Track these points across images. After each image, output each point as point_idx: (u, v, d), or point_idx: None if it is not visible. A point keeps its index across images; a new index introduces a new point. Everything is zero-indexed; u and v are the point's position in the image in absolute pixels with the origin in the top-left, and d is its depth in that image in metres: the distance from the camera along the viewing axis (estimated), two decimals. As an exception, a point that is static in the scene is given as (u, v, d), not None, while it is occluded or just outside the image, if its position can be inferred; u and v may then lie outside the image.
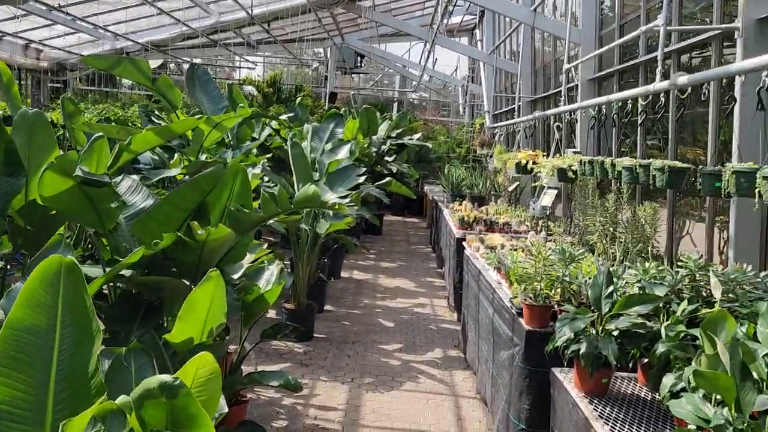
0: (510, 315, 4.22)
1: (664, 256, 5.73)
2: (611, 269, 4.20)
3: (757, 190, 3.00)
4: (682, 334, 2.69)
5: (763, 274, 3.89)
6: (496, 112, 15.94)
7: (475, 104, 19.25)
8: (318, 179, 6.83)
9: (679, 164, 3.99)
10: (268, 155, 7.82)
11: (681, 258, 3.93)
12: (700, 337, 2.49)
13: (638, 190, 6.47)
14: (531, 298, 3.87)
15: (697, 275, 3.87)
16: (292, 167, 6.50)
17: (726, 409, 1.88)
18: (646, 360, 2.90)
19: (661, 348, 2.56)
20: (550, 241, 6.59)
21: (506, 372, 4.24)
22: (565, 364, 3.01)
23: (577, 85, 8.38)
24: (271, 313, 7.70)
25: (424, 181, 18.25)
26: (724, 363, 1.88)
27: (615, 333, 2.80)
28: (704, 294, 3.91)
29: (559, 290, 4.00)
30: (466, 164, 14.28)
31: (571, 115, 7.19)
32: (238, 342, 4.20)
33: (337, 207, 4.64)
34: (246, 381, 3.92)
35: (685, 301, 2.98)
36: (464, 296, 6.61)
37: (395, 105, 23.97)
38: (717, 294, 2.96)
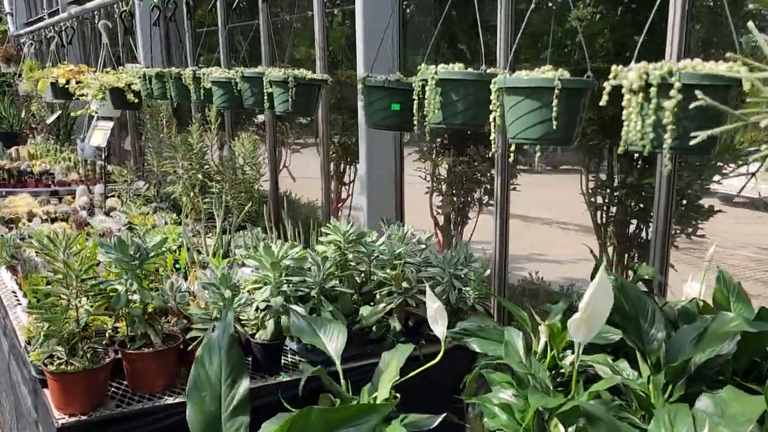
0: (30, 379, 2.14)
1: (271, 215, 4.24)
2: (216, 265, 2.46)
3: (493, 117, 1.57)
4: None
5: (426, 236, 2.71)
6: (31, 20, 12.23)
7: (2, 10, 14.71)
8: None
9: (310, 74, 2.42)
10: None
11: (327, 228, 2.44)
12: None
13: (229, 117, 4.83)
14: (61, 357, 1.86)
15: (348, 253, 2.45)
16: None
17: None
18: None
19: None
20: (112, 196, 4.50)
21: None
22: None
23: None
24: None
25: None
26: None
27: None
28: (359, 280, 2.54)
29: (124, 317, 2.09)
30: (-4, 88, 10.61)
31: (125, 5, 5.00)
32: None
33: None
34: None
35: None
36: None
37: None
38: (440, 331, 1.48)
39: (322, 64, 3.70)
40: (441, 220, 4.47)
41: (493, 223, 2.81)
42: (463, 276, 2.40)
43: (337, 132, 5.41)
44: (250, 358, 2.23)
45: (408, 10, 4.46)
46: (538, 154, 1.47)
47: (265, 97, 2.52)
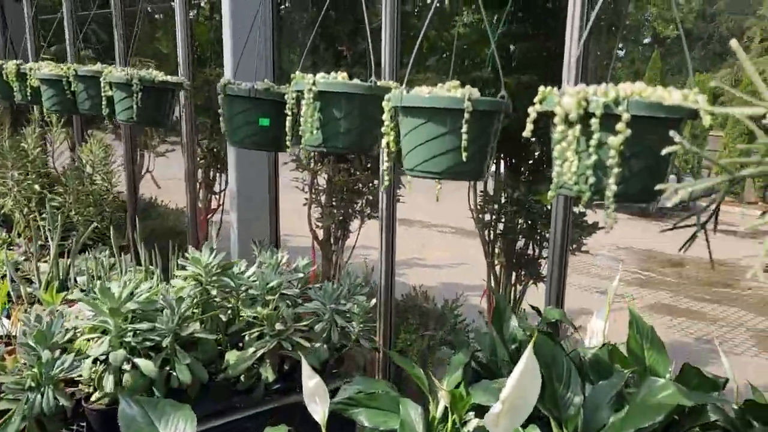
0: None
1: (130, 233, 3.71)
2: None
3: (386, 143, 1.26)
4: None
5: (304, 262, 2.38)
6: None
7: None
8: None
9: (161, 75, 2.01)
10: None
11: (184, 260, 2.05)
12: None
13: (77, 123, 4.21)
14: None
15: (212, 288, 2.07)
16: None
17: None
18: None
19: None
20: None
21: None
22: None
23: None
24: None
25: None
26: None
27: None
28: (225, 319, 2.16)
29: None
30: None
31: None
32: None
33: None
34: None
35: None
36: None
37: None
38: (320, 414, 1.17)
39: (186, 61, 3.26)
40: (320, 234, 4.15)
41: (378, 238, 2.53)
42: (346, 311, 2.12)
43: (206, 136, 4.94)
44: (84, 425, 1.81)
45: (283, 6, 4.11)
46: (438, 188, 1.21)
47: (104, 102, 2.08)
